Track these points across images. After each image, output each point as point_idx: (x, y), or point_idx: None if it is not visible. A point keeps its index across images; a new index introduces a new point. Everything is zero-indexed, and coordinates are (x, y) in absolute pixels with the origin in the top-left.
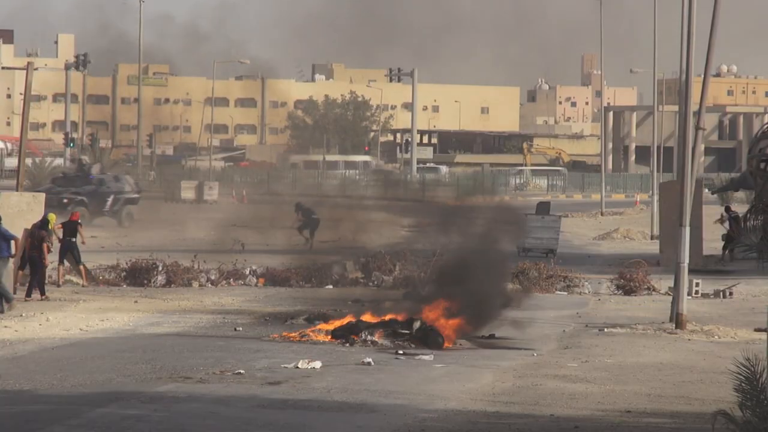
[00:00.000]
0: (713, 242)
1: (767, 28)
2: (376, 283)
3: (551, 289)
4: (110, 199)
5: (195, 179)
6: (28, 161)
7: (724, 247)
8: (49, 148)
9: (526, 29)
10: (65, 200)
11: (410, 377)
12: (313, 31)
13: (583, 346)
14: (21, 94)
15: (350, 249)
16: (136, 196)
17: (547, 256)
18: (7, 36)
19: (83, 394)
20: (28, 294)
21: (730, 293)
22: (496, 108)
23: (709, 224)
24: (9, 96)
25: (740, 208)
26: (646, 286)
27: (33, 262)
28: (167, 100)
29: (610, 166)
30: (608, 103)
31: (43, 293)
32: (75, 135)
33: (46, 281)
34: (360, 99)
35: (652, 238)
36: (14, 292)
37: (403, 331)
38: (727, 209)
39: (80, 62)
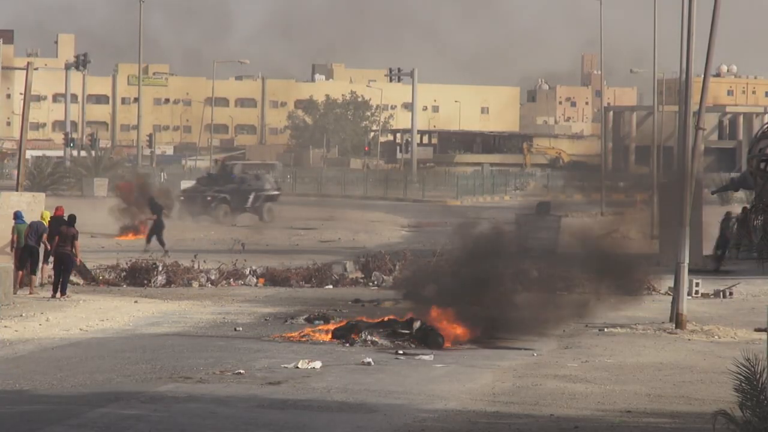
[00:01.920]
0: (713, 242)
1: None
2: (376, 283)
3: (551, 288)
4: (251, 197)
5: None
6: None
7: (718, 252)
8: (49, 148)
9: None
10: (209, 198)
11: (410, 377)
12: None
13: (583, 346)
14: (21, 94)
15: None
16: (276, 193)
17: None
18: (7, 36)
19: (83, 394)
20: (62, 291)
21: (730, 293)
22: (496, 108)
23: (709, 224)
24: (9, 96)
25: (740, 209)
26: (646, 286)
27: (64, 260)
28: (167, 100)
29: (610, 166)
30: (608, 103)
31: (64, 292)
32: (75, 135)
33: (43, 282)
34: (360, 99)
35: (652, 238)
36: (15, 293)
37: (403, 331)
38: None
39: (80, 62)
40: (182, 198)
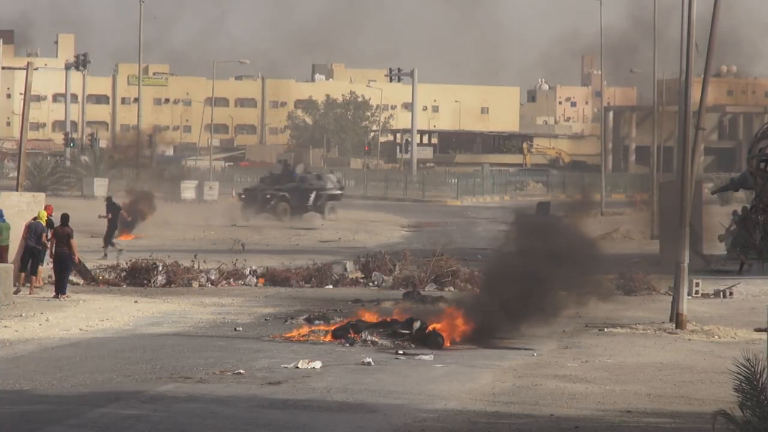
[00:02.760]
0: (714, 242)
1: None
2: (376, 283)
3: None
4: (313, 195)
5: (195, 179)
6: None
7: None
8: (49, 148)
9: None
10: (268, 196)
11: (410, 377)
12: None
13: (583, 346)
14: (21, 94)
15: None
16: (338, 192)
17: None
18: (7, 36)
19: (83, 394)
20: (62, 290)
21: (730, 293)
22: (496, 108)
23: (710, 225)
24: (9, 96)
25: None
26: (646, 286)
27: (63, 259)
28: (167, 100)
29: (610, 166)
30: (608, 103)
31: (63, 291)
32: (75, 135)
33: (41, 284)
34: (360, 99)
35: (652, 238)
36: (16, 293)
37: (403, 331)
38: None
39: (80, 62)
40: (243, 196)
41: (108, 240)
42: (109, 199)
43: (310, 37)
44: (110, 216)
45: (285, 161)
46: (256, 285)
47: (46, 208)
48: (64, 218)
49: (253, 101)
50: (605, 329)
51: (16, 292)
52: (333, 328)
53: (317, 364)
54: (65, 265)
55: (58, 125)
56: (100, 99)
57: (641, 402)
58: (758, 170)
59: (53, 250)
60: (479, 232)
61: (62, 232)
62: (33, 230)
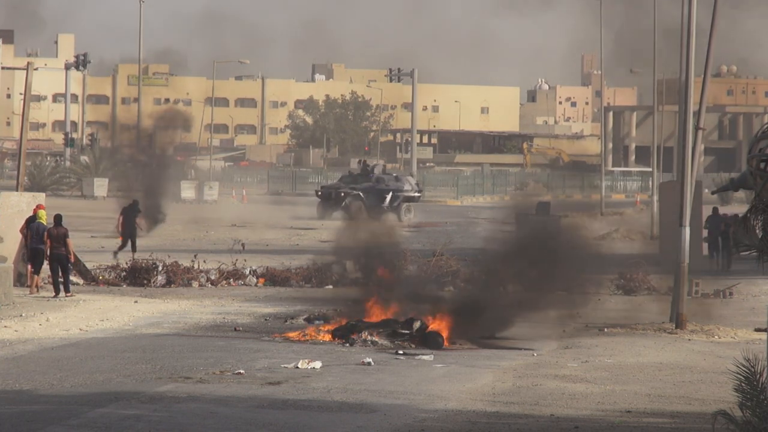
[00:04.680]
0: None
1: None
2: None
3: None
4: (389, 196)
5: (195, 179)
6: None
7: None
8: (49, 148)
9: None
10: (342, 194)
11: (410, 377)
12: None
13: (583, 346)
14: (21, 94)
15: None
16: (416, 195)
17: None
18: (7, 36)
19: (83, 394)
20: (66, 289)
21: (730, 293)
22: (496, 108)
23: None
24: (9, 96)
25: (740, 208)
26: (646, 286)
27: (60, 260)
28: (167, 100)
29: (610, 166)
30: (608, 103)
31: (68, 290)
32: (75, 135)
33: (40, 284)
34: (360, 99)
35: (652, 238)
36: (33, 293)
37: (403, 331)
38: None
39: (80, 62)
40: (320, 194)
41: (133, 240)
42: (136, 203)
43: (310, 36)
44: (121, 219)
45: (364, 161)
46: (256, 285)
47: (38, 207)
48: (58, 219)
49: (253, 101)
50: (605, 329)
51: (32, 293)
52: (333, 327)
53: (317, 364)
54: (63, 266)
55: (58, 125)
56: (100, 99)
57: (641, 402)
58: (758, 170)
59: (47, 252)
60: (479, 232)
61: (57, 233)
62: (35, 231)
